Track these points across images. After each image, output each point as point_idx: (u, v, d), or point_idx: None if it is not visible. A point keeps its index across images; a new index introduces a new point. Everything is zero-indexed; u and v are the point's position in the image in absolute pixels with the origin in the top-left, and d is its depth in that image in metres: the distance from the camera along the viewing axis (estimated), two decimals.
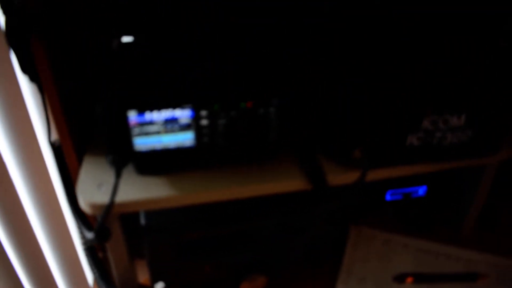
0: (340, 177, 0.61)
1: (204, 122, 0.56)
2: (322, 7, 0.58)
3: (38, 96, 0.72)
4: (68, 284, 1.09)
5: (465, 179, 0.77)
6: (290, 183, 0.60)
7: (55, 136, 0.65)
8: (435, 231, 0.82)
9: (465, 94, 0.60)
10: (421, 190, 0.81)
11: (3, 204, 0.86)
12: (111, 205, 0.54)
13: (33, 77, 0.62)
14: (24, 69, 0.61)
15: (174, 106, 0.55)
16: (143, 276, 0.71)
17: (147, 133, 0.56)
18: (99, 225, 0.56)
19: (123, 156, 0.56)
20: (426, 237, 0.80)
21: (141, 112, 0.55)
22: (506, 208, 0.88)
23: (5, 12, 0.49)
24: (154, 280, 0.64)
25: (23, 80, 0.77)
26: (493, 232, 0.83)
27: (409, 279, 0.72)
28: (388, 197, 0.81)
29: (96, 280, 0.69)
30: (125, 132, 0.55)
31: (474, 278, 0.72)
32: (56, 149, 0.69)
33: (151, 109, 0.55)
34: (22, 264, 0.97)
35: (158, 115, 0.55)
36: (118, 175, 0.54)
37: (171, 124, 0.56)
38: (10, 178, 0.85)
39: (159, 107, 0.55)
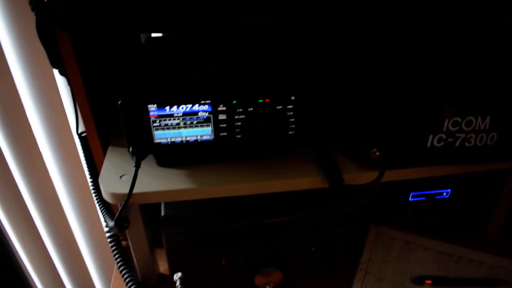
0: (357, 177, 0.60)
1: (222, 116, 0.57)
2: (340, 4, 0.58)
3: (68, 89, 0.75)
4: (96, 267, 1.13)
5: (490, 183, 0.75)
6: (307, 180, 0.60)
7: (82, 127, 0.67)
8: (456, 235, 0.80)
9: (489, 96, 0.59)
10: (445, 193, 0.80)
11: (39, 190, 0.91)
12: (130, 195, 0.56)
13: (62, 71, 0.65)
14: (54, 64, 0.63)
15: (193, 101, 0.56)
16: (164, 265, 0.73)
17: (167, 126, 0.57)
18: (119, 214, 0.58)
19: (143, 148, 0.58)
20: (448, 241, 0.78)
21: (161, 105, 0.56)
22: None
23: (33, 9, 0.51)
24: (172, 271, 0.66)
25: (58, 76, 0.81)
26: None
27: (428, 282, 0.71)
28: (411, 198, 0.80)
29: (118, 267, 0.72)
30: (145, 125, 0.57)
31: (496, 284, 0.70)
32: (83, 139, 0.71)
33: (171, 104, 0.56)
34: (55, 247, 1.01)
35: (177, 109, 0.56)
36: (137, 166, 0.56)
37: (190, 118, 0.57)
38: (46, 167, 0.90)
39: (179, 101, 0.56)
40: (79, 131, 0.73)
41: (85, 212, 1.02)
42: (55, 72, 0.80)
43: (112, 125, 0.71)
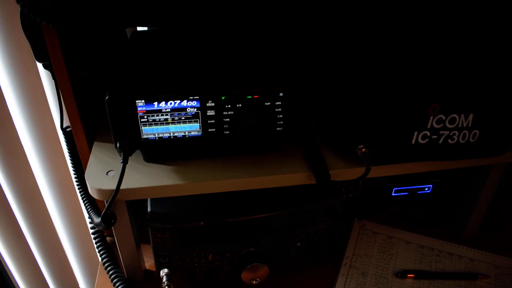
0: (344, 173, 0.61)
1: (210, 112, 0.57)
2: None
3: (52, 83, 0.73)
4: (80, 264, 1.12)
5: (471, 179, 0.77)
6: (294, 176, 0.60)
7: (67, 122, 0.66)
8: (438, 230, 0.82)
9: (472, 94, 0.60)
10: (427, 188, 0.82)
11: (21, 184, 0.89)
12: (117, 191, 0.55)
13: (46, 65, 0.63)
14: (38, 57, 0.62)
15: (182, 96, 0.56)
16: (150, 261, 0.73)
17: (154, 122, 0.57)
18: (105, 211, 0.57)
19: (130, 144, 0.57)
20: (429, 235, 0.80)
21: (149, 101, 0.56)
22: (509, 208, 0.88)
23: (18, 1, 0.50)
24: (159, 267, 0.66)
25: (42, 69, 0.80)
26: (495, 233, 0.82)
27: (410, 276, 0.72)
28: (393, 193, 0.82)
29: (103, 264, 0.71)
30: (133, 120, 0.57)
31: (474, 277, 0.72)
32: (67, 134, 0.71)
33: (159, 99, 0.56)
34: (37, 243, 1.00)
35: (166, 105, 0.56)
36: (125, 162, 0.55)
37: (178, 113, 0.57)
38: (28, 162, 0.88)
39: (167, 97, 0.56)
40: (64, 126, 0.72)
41: (68, 209, 1.00)
42: (39, 65, 0.79)
43: (97, 120, 0.70)
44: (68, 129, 0.72)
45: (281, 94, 0.58)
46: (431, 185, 0.82)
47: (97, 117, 0.70)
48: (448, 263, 0.75)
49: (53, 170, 0.92)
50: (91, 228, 0.74)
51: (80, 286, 1.17)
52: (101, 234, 0.74)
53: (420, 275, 0.73)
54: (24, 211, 0.94)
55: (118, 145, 0.57)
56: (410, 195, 0.82)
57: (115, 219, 0.60)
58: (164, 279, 0.64)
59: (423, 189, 0.82)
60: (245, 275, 0.64)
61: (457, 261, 0.76)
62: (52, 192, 0.96)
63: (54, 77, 0.62)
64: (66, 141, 0.72)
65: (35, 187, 0.92)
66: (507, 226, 0.84)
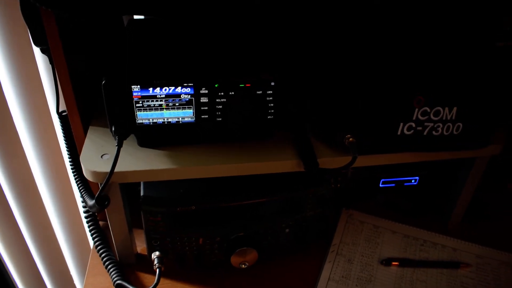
0: (331, 161, 0.63)
1: (204, 99, 0.59)
2: None
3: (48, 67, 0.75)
4: (71, 247, 1.13)
5: (456, 171, 0.79)
6: (284, 163, 0.62)
7: (63, 106, 0.67)
8: (424, 220, 0.84)
9: (456, 88, 0.62)
10: (413, 180, 0.84)
11: (14, 169, 0.90)
12: (111, 173, 0.57)
13: (44, 49, 0.65)
14: (36, 41, 0.63)
15: (176, 83, 0.58)
16: (142, 245, 0.75)
17: (149, 107, 0.59)
18: (99, 193, 0.59)
19: (125, 128, 0.59)
20: (415, 225, 0.82)
21: (144, 87, 0.57)
22: (492, 201, 0.90)
23: None
24: (150, 250, 0.68)
25: (38, 53, 0.81)
26: (478, 224, 0.85)
27: (395, 264, 0.74)
28: (381, 184, 0.84)
29: (95, 247, 0.73)
30: (128, 105, 0.58)
31: (457, 266, 0.75)
32: (63, 118, 0.72)
33: (154, 85, 0.57)
34: (28, 226, 1.01)
35: (160, 91, 0.58)
36: (119, 145, 0.57)
37: (172, 100, 0.59)
38: (22, 147, 0.89)
39: (162, 83, 0.57)
40: (60, 110, 0.73)
41: (60, 193, 1.01)
42: (35, 50, 0.80)
43: (93, 104, 0.71)
44: (63, 113, 0.73)
45: (272, 84, 0.60)
46: (417, 177, 0.84)
47: (92, 102, 0.71)
48: (432, 252, 0.78)
49: (46, 154, 0.94)
50: (85, 212, 0.75)
51: (70, 270, 1.19)
52: (94, 217, 0.76)
53: (404, 263, 0.75)
54: (16, 195, 0.95)
55: (113, 129, 0.59)
56: (397, 186, 0.84)
57: (109, 201, 0.61)
58: (156, 262, 0.66)
59: (410, 181, 0.84)
60: (234, 259, 0.66)
61: (440, 250, 0.78)
62: (45, 176, 0.98)
63: (51, 61, 0.63)
64: (61, 125, 0.74)
65: (28, 171, 0.94)
66: (490, 217, 0.87)
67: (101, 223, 0.78)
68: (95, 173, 0.59)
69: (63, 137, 0.74)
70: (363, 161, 0.64)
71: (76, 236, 1.12)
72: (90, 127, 0.68)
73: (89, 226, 0.75)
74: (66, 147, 0.73)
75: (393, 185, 0.84)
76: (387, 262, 0.75)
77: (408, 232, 0.81)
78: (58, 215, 1.06)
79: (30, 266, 1.08)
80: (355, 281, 0.72)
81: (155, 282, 0.65)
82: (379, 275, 0.73)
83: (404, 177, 0.84)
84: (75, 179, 0.70)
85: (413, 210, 0.87)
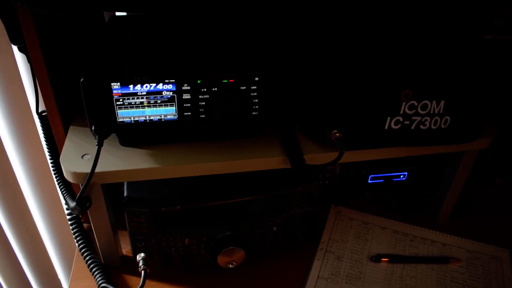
0: (318, 157, 0.62)
1: (186, 96, 0.58)
2: None
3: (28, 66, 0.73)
4: (57, 250, 1.11)
5: (445, 166, 0.79)
6: (269, 160, 0.61)
7: (42, 106, 0.66)
8: (413, 216, 0.83)
9: (444, 81, 0.62)
10: (402, 176, 0.83)
11: None
12: (92, 174, 0.55)
13: (22, 47, 0.63)
14: (13, 39, 0.61)
15: (157, 80, 0.56)
16: (127, 247, 0.73)
17: (130, 105, 0.57)
18: (80, 194, 0.57)
19: (105, 127, 0.57)
20: (404, 221, 0.82)
21: (125, 84, 0.56)
22: (482, 195, 0.90)
23: None
24: (135, 251, 0.66)
25: (18, 52, 0.79)
26: (467, 219, 0.84)
27: (384, 260, 0.74)
28: (370, 180, 0.83)
29: (79, 249, 0.71)
30: (108, 103, 0.57)
31: (446, 261, 0.74)
32: (43, 118, 0.70)
33: (135, 82, 0.56)
34: (13, 229, 0.99)
35: (141, 88, 0.56)
36: (99, 144, 0.55)
37: (154, 97, 0.57)
38: (3, 148, 0.87)
39: (143, 80, 0.56)
40: (40, 110, 0.72)
41: (45, 195, 0.99)
42: (15, 48, 0.78)
43: (74, 104, 0.70)
44: (43, 114, 0.71)
45: (256, 79, 0.58)
46: (406, 173, 0.83)
47: (74, 101, 0.69)
48: (422, 247, 0.77)
49: (29, 155, 0.92)
50: (68, 214, 0.73)
51: (57, 273, 1.17)
52: (77, 220, 0.74)
53: (394, 259, 0.74)
54: (0, 198, 0.93)
55: (93, 128, 0.57)
56: (386, 182, 0.84)
57: (90, 203, 0.60)
58: (141, 263, 0.65)
59: (399, 176, 0.83)
60: (221, 259, 0.65)
61: (430, 245, 0.78)
62: (28, 178, 0.96)
63: (29, 60, 0.61)
64: (41, 126, 0.72)
65: (11, 173, 0.91)
66: (479, 212, 0.86)
67: (85, 225, 0.77)
68: (75, 174, 0.57)
69: (43, 138, 0.72)
70: (350, 156, 0.63)
71: (62, 238, 1.09)
72: (71, 127, 0.66)
73: (73, 229, 0.73)
74: (47, 148, 0.71)
75: (382, 181, 0.83)
76: (376, 258, 0.74)
77: (397, 228, 0.81)
78: (43, 217, 1.04)
79: (16, 270, 1.06)
80: (344, 278, 0.71)
81: (140, 284, 0.63)
82: (368, 272, 0.72)
83: (392, 172, 0.83)
84: (57, 180, 0.68)
85: (401, 207, 0.86)
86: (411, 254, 0.76)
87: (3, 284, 1.08)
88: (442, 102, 0.62)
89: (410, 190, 0.87)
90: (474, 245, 0.78)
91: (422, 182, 0.84)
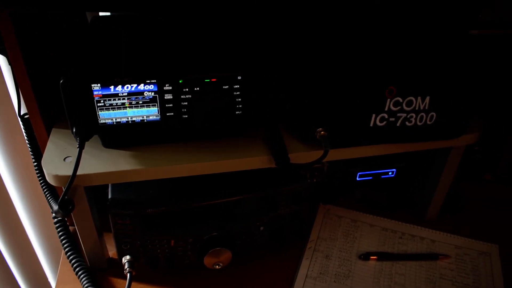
0: (303, 156, 0.62)
1: (168, 96, 0.57)
2: None
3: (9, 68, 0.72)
4: (45, 252, 1.10)
5: (433, 162, 0.79)
6: (254, 160, 0.61)
7: (24, 109, 0.65)
8: (402, 213, 0.83)
9: (429, 77, 0.61)
10: (390, 172, 0.83)
11: None
12: (73, 177, 0.54)
13: (1, 49, 0.62)
14: None
15: (138, 80, 0.55)
16: (114, 249, 0.72)
17: (111, 106, 0.56)
18: (62, 197, 0.57)
19: (87, 128, 0.56)
20: (393, 218, 0.81)
21: (105, 85, 0.55)
22: (470, 192, 0.90)
23: None
24: (121, 254, 0.65)
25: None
26: (455, 215, 0.84)
27: (373, 258, 0.73)
28: (358, 178, 0.83)
29: (65, 253, 0.70)
30: (89, 105, 0.56)
31: (435, 257, 0.74)
32: (25, 121, 0.69)
33: (116, 83, 0.55)
34: (1, 233, 0.98)
35: (122, 89, 0.55)
36: (81, 147, 0.55)
37: (135, 98, 0.56)
38: None
39: (123, 81, 0.55)
40: (22, 113, 0.71)
41: (31, 197, 0.98)
42: None
43: (56, 106, 0.69)
44: (26, 116, 0.70)
45: (239, 78, 0.58)
46: (394, 170, 0.83)
47: (56, 103, 0.68)
48: (411, 244, 0.77)
49: (14, 158, 0.91)
50: (53, 217, 0.73)
51: (47, 276, 1.16)
52: (63, 223, 0.73)
53: (382, 256, 0.74)
54: None
55: (74, 130, 0.56)
56: (374, 179, 0.83)
57: (73, 205, 0.59)
58: (126, 266, 0.64)
59: (387, 173, 0.83)
60: (207, 260, 0.64)
61: (419, 242, 0.77)
62: (14, 180, 0.94)
63: (9, 62, 0.60)
64: (24, 129, 0.71)
65: None
66: (468, 208, 0.86)
67: (71, 227, 0.76)
68: (57, 177, 0.56)
69: (26, 141, 0.71)
70: (336, 154, 0.63)
71: (49, 241, 1.08)
72: (53, 129, 0.65)
73: (58, 232, 0.73)
74: (30, 151, 0.70)
75: (371, 178, 0.83)
76: (365, 256, 0.74)
77: (386, 225, 0.80)
78: (30, 220, 1.03)
79: (5, 272, 1.04)
80: (333, 277, 0.70)
81: (125, 287, 0.62)
82: (357, 270, 0.72)
83: (381, 169, 0.83)
84: (41, 183, 0.67)
85: (390, 205, 0.86)
86: (400, 251, 0.75)
87: None
88: (428, 98, 0.62)
89: (399, 187, 0.86)
90: (463, 241, 0.78)
91: (411, 179, 0.84)
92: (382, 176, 0.84)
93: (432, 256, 0.75)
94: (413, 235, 0.79)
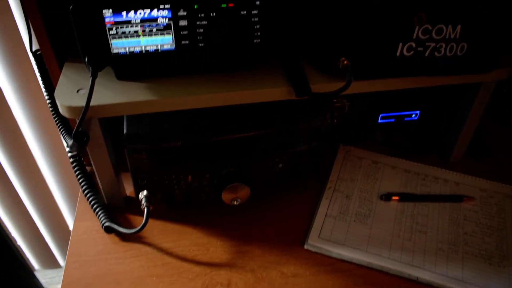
0: (325, 87, 0.59)
1: (183, 23, 0.54)
2: None
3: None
4: (62, 191, 1.11)
5: (459, 102, 0.75)
6: (273, 91, 0.58)
7: (36, 44, 0.63)
8: (425, 157, 0.80)
9: (461, 3, 0.57)
10: (414, 115, 0.80)
11: None
12: (87, 106, 0.53)
13: None
14: None
15: (151, 5, 0.52)
16: (131, 188, 0.72)
17: (124, 34, 0.54)
18: (76, 128, 0.55)
19: (100, 58, 0.54)
20: (415, 160, 0.79)
21: (117, 10, 0.52)
22: (496, 135, 0.86)
23: None
24: (137, 190, 0.65)
25: None
26: (481, 159, 0.81)
27: (395, 198, 0.71)
28: (380, 120, 0.80)
29: (82, 191, 0.70)
30: (101, 33, 0.53)
31: (460, 199, 0.72)
32: (37, 57, 0.67)
33: (128, 8, 0.52)
34: (16, 173, 0.99)
35: (135, 15, 0.53)
36: (94, 76, 0.53)
37: (149, 25, 0.54)
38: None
39: (136, 5, 0.52)
40: (33, 49, 0.69)
41: (45, 135, 0.98)
42: None
43: (68, 40, 0.66)
44: (38, 52, 0.68)
45: (257, 3, 0.54)
46: (418, 111, 0.80)
47: (68, 38, 0.66)
48: (434, 186, 0.75)
49: (27, 95, 0.90)
50: (70, 156, 0.72)
51: (63, 214, 1.17)
52: (80, 161, 0.72)
53: (404, 197, 0.72)
54: (1, 140, 0.92)
55: (86, 59, 0.54)
56: (397, 122, 0.80)
57: (88, 137, 0.58)
58: (143, 201, 0.63)
59: (410, 115, 0.80)
60: (225, 196, 0.63)
61: (442, 184, 0.75)
62: (28, 119, 0.94)
63: None
64: (36, 64, 0.69)
65: (8, 114, 0.90)
66: (493, 153, 0.83)
67: (88, 168, 0.75)
68: (71, 108, 0.55)
69: (39, 77, 0.69)
70: (359, 86, 0.60)
71: (65, 179, 1.09)
72: (66, 63, 0.63)
73: (75, 171, 0.72)
74: (43, 86, 0.68)
75: (393, 120, 0.80)
76: (387, 197, 0.72)
77: (408, 167, 0.78)
78: (46, 160, 1.03)
79: (22, 213, 1.06)
80: (353, 216, 0.69)
81: (143, 221, 0.62)
82: (378, 210, 0.70)
83: (404, 111, 0.79)
84: (54, 118, 0.66)
85: (413, 148, 0.83)
86: (423, 193, 0.73)
87: (11, 228, 1.09)
88: (459, 27, 0.58)
89: (422, 130, 0.83)
90: (489, 184, 0.75)
91: (435, 121, 0.81)
92: (406, 119, 0.80)
93: (456, 198, 0.72)
94: (436, 177, 0.76)
